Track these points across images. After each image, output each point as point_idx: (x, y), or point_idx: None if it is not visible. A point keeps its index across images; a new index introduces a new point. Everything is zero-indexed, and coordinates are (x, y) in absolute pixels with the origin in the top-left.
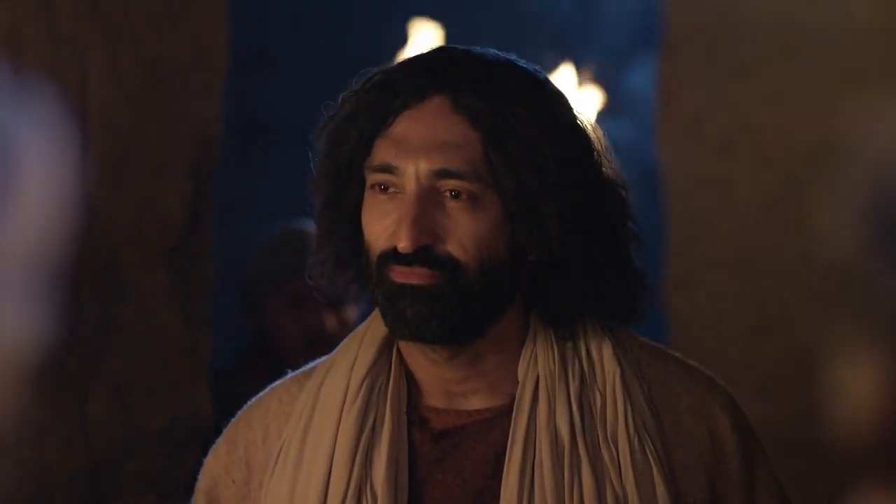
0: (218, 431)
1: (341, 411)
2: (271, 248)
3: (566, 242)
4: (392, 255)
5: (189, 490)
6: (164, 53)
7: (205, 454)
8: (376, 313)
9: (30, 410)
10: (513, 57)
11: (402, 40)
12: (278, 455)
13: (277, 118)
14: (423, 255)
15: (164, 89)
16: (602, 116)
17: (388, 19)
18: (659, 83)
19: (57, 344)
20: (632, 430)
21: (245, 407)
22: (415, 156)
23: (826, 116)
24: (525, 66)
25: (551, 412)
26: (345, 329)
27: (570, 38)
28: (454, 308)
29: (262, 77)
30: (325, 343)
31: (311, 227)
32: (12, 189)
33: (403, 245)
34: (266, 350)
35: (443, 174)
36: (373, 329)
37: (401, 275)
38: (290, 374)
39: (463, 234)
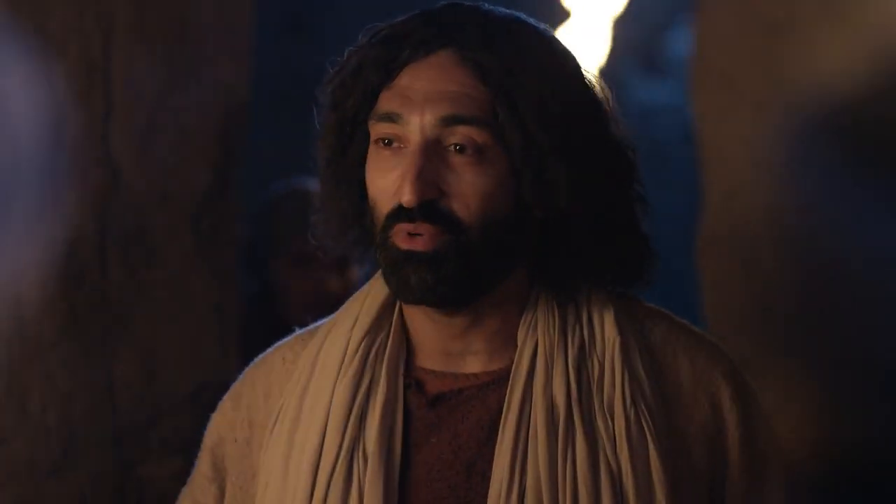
0: None
1: (338, 373)
2: (274, 207)
3: (574, 200)
4: (397, 214)
5: None
6: (189, 15)
7: None
8: (380, 274)
9: (56, 375)
10: (522, 15)
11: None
12: (278, 415)
13: (312, 83)
14: (427, 210)
15: (190, 52)
16: (643, 78)
17: None
18: (694, 42)
19: (83, 308)
20: (628, 402)
21: (251, 364)
22: (420, 106)
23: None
24: (534, 24)
25: (548, 379)
26: (349, 289)
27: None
28: (459, 271)
29: (297, 42)
30: (328, 303)
31: (315, 185)
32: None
33: (407, 199)
34: (271, 309)
35: (450, 120)
36: (375, 290)
37: (405, 240)
38: (296, 333)
39: (467, 189)
